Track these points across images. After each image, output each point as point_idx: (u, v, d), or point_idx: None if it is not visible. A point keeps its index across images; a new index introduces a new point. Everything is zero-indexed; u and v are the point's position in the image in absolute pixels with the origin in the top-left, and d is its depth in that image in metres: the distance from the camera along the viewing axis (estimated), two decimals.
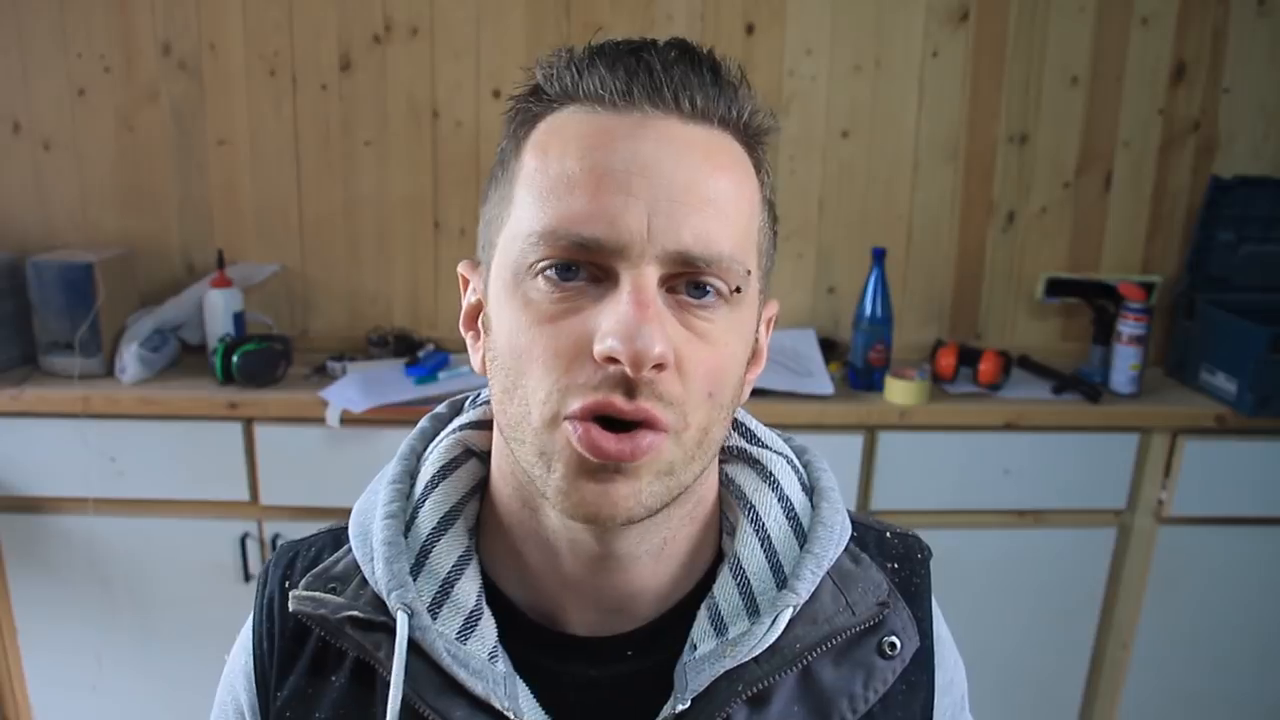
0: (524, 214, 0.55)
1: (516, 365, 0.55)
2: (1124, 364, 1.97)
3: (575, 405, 0.52)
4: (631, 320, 0.51)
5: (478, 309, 0.62)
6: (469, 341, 0.63)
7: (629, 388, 0.52)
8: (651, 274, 0.53)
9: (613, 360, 0.51)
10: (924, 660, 0.64)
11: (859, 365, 1.97)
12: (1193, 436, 1.91)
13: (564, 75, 0.56)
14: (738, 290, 0.55)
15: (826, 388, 1.90)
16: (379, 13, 2.03)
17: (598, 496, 0.53)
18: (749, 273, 0.56)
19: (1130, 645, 2.02)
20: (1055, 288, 2.14)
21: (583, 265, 0.53)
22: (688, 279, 0.54)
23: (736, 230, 0.55)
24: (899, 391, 1.89)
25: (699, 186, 0.53)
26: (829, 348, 2.11)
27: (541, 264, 0.54)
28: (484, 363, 0.60)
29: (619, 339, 0.51)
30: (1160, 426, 1.92)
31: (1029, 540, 1.96)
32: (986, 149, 2.13)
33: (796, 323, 2.20)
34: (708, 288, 0.54)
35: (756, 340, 0.62)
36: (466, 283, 0.64)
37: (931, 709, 0.65)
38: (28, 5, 2.00)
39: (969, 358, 1.98)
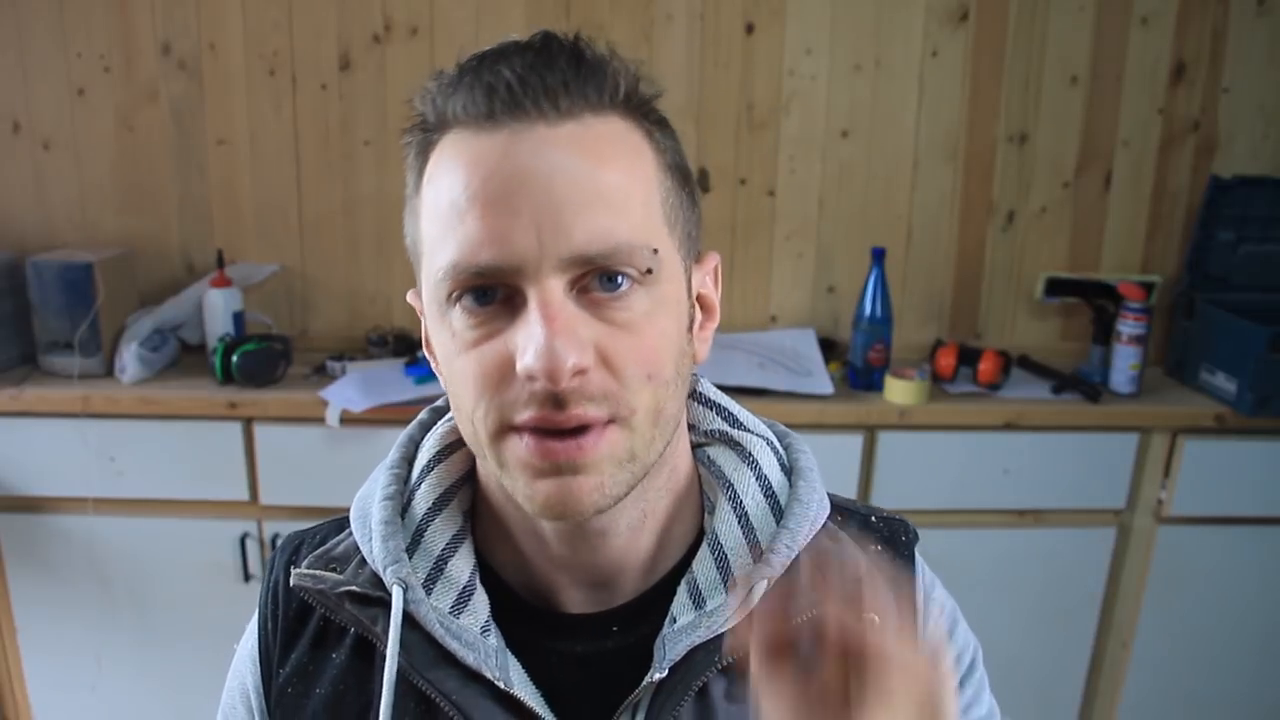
0: (431, 250, 0.57)
1: (456, 391, 0.58)
2: (1124, 364, 1.97)
3: (514, 419, 0.55)
4: (540, 336, 0.52)
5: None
6: (431, 362, 0.65)
7: (557, 399, 0.54)
8: (555, 285, 0.54)
9: (535, 378, 0.53)
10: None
11: (859, 365, 1.97)
12: (1192, 436, 1.91)
13: (437, 101, 0.57)
14: (649, 271, 0.56)
15: (826, 387, 1.90)
16: (379, 13, 2.03)
17: (562, 496, 0.56)
18: (656, 251, 0.56)
19: (1130, 645, 2.02)
20: (1055, 287, 2.14)
21: (495, 288, 0.55)
22: (596, 274, 0.55)
23: (633, 214, 0.55)
24: (899, 391, 1.89)
25: (581, 185, 0.54)
26: (829, 347, 2.11)
27: (454, 295, 0.56)
28: (443, 384, 0.62)
29: (532, 357, 0.53)
30: (1160, 426, 1.92)
31: (1029, 540, 1.96)
32: (986, 149, 2.13)
33: (796, 322, 2.20)
34: (618, 278, 0.55)
35: (700, 296, 0.64)
36: (420, 311, 0.66)
37: None
38: (28, 5, 2.00)
39: (969, 357, 1.98)
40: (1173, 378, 2.11)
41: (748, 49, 2.07)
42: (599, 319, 0.55)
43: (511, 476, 0.57)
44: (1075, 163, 2.14)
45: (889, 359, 1.97)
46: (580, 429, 0.55)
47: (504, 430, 0.56)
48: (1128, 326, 1.96)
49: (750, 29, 2.06)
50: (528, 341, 0.53)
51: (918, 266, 2.18)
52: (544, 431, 0.55)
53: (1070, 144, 2.13)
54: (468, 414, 0.57)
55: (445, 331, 0.58)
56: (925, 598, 0.68)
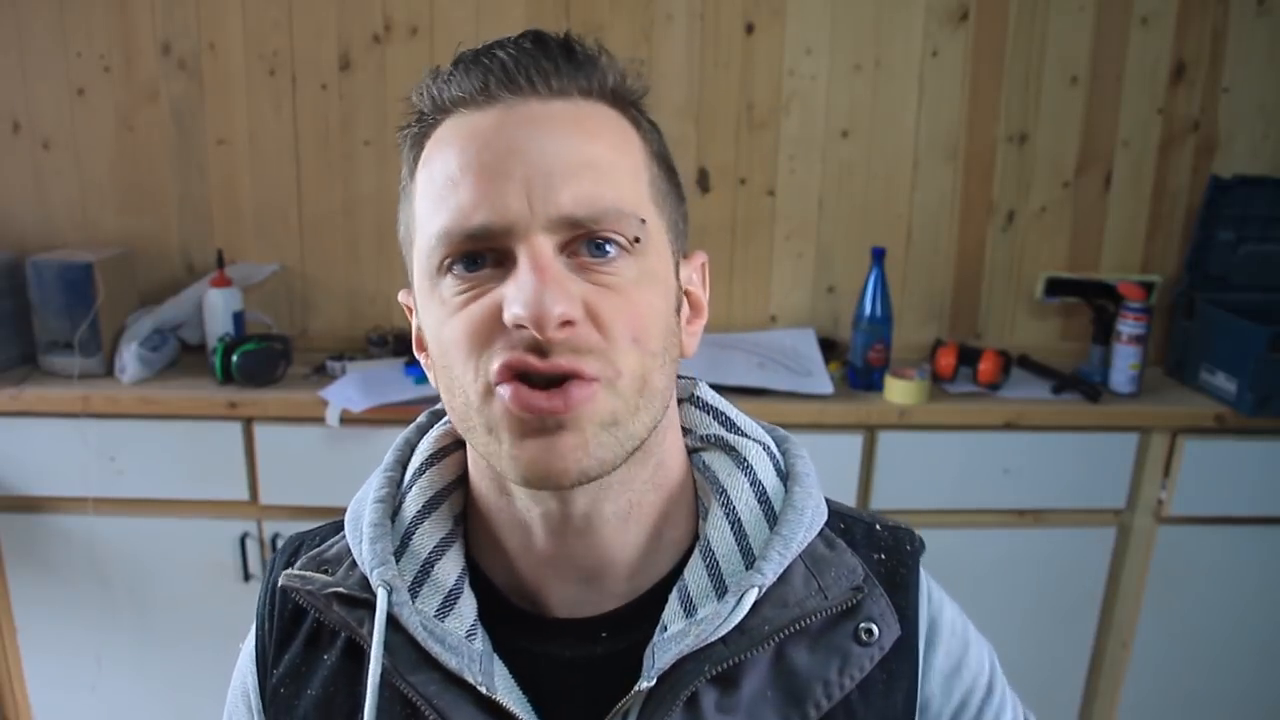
0: (424, 224, 0.59)
1: (445, 359, 0.58)
2: (1123, 363, 1.97)
3: (496, 366, 0.55)
4: (530, 285, 0.53)
5: (421, 330, 0.64)
6: (422, 361, 0.65)
7: (541, 349, 0.54)
8: (544, 243, 0.55)
9: (521, 327, 0.53)
10: (906, 649, 0.64)
11: (859, 365, 1.97)
12: (1192, 436, 1.91)
13: (432, 91, 0.59)
14: (637, 240, 0.57)
15: (826, 387, 1.90)
16: (379, 12, 2.03)
17: (546, 453, 0.55)
18: (644, 221, 0.58)
19: (1130, 645, 2.02)
20: (1055, 287, 2.14)
21: (484, 254, 0.56)
22: (585, 240, 0.56)
23: (620, 185, 0.57)
24: (899, 391, 1.89)
25: (571, 153, 0.56)
26: (829, 347, 2.11)
27: (445, 262, 0.57)
28: (434, 378, 0.62)
29: (521, 304, 0.53)
30: (1160, 426, 1.92)
31: (1029, 540, 1.96)
32: (986, 149, 2.13)
33: (796, 322, 2.20)
34: (607, 245, 0.56)
35: (688, 293, 0.65)
36: (410, 309, 0.66)
37: (915, 700, 0.65)
38: (28, 5, 2.00)
39: (969, 357, 1.98)
40: (1173, 378, 2.11)
41: (748, 49, 2.07)
42: (588, 280, 0.56)
43: (498, 439, 0.56)
44: (1075, 163, 2.14)
45: (889, 359, 1.97)
46: (563, 380, 0.54)
47: (491, 388, 0.56)
48: (1128, 326, 1.96)
49: (750, 29, 2.06)
50: (517, 291, 0.54)
51: (918, 266, 2.18)
52: (524, 382, 0.55)
53: (1070, 144, 2.13)
54: (459, 381, 0.57)
55: (435, 302, 0.58)
56: (932, 623, 0.67)
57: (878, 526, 0.69)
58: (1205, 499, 1.94)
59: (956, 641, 0.68)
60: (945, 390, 1.96)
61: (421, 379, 1.90)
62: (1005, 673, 0.72)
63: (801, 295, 2.20)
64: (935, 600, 0.68)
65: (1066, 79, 2.09)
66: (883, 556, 0.67)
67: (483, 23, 2.03)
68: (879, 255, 1.96)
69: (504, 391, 0.55)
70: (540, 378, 0.54)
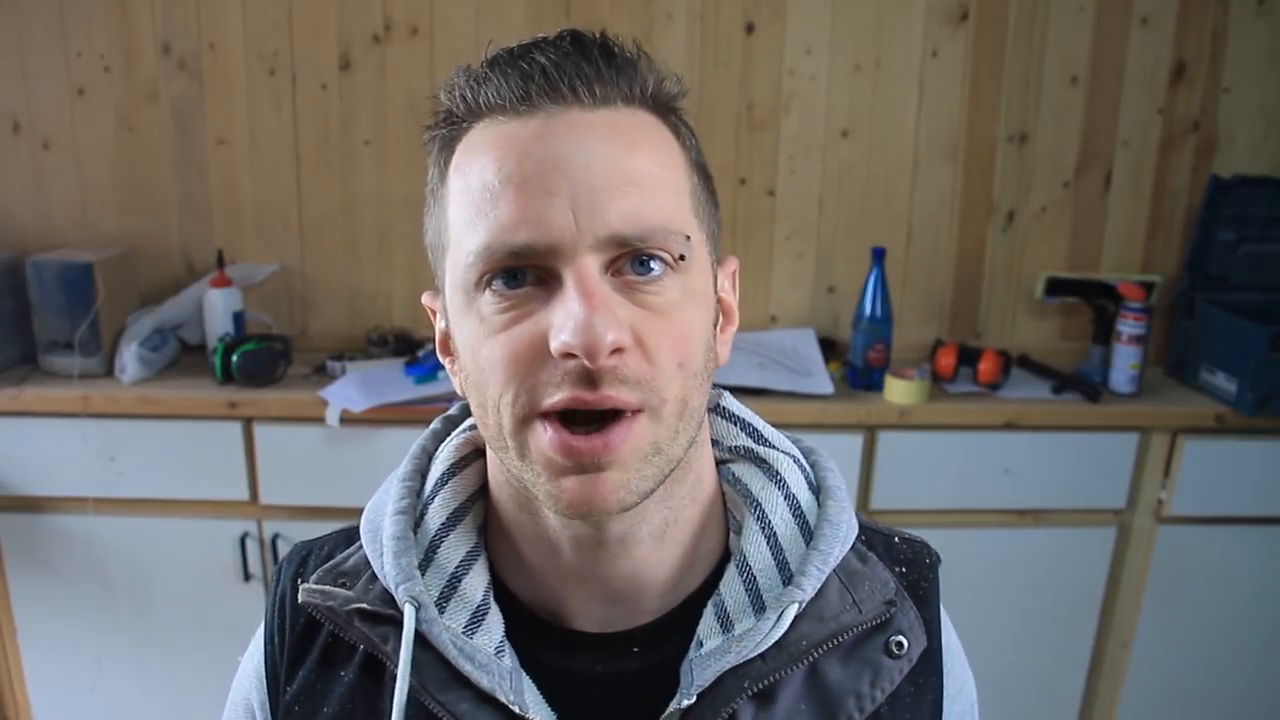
0: (459, 236, 0.56)
1: (481, 379, 0.56)
2: (1124, 363, 1.97)
3: (544, 404, 0.53)
4: (579, 313, 0.51)
5: (447, 334, 0.63)
6: (447, 366, 0.64)
7: (591, 378, 0.52)
8: (591, 263, 0.53)
9: (570, 355, 0.52)
10: (932, 662, 0.64)
11: (859, 365, 1.97)
12: (1192, 436, 1.91)
13: (466, 93, 0.57)
14: (682, 258, 0.56)
15: (826, 387, 1.90)
16: (379, 12, 2.03)
17: (587, 493, 0.54)
18: (689, 238, 0.56)
19: (1130, 645, 2.02)
20: (1055, 287, 2.14)
21: (526, 270, 0.54)
22: (630, 258, 0.54)
23: (665, 201, 0.55)
24: (899, 391, 1.89)
25: (616, 168, 0.54)
26: (829, 347, 2.11)
27: (484, 278, 0.55)
28: (461, 385, 0.61)
29: (570, 333, 0.51)
30: (1160, 426, 1.92)
31: (1029, 540, 1.96)
32: (986, 149, 2.13)
33: (796, 322, 2.20)
34: (651, 262, 0.55)
35: (721, 300, 0.64)
36: (434, 312, 0.65)
37: (940, 712, 0.64)
38: (28, 5, 2.00)
39: (969, 357, 1.98)
40: (1173, 378, 2.11)
41: (748, 49, 2.07)
42: (633, 303, 0.54)
43: (534, 471, 0.55)
44: (1075, 163, 2.14)
45: (889, 359, 1.97)
46: (609, 416, 0.53)
47: (530, 417, 0.54)
48: (1128, 326, 1.96)
49: (750, 29, 2.06)
50: (565, 319, 0.52)
51: (918, 266, 2.18)
52: (570, 422, 0.53)
53: (1070, 144, 2.13)
54: (494, 402, 0.55)
55: (472, 318, 0.56)
56: (953, 650, 0.67)
57: (896, 539, 0.69)
58: (1205, 499, 1.94)
59: (961, 667, 0.69)
60: (945, 390, 1.96)
61: (422, 379, 1.90)
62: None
63: (801, 295, 2.20)
64: (949, 626, 0.68)
65: (1066, 79, 2.09)
66: (904, 570, 0.66)
67: (483, 23, 2.03)
68: (879, 255, 1.96)
69: (545, 430, 0.54)
70: (585, 414, 0.53)
